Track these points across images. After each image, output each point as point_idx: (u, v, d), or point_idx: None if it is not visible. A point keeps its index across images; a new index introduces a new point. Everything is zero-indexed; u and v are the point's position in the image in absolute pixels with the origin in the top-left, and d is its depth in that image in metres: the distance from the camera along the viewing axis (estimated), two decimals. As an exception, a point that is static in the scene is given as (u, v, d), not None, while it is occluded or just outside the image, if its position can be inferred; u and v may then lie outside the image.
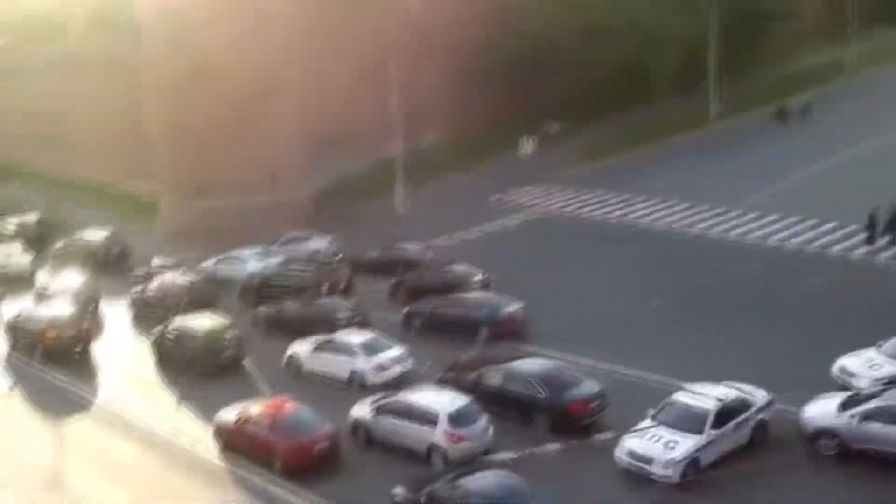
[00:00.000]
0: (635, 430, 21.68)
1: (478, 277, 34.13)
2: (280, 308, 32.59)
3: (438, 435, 21.75)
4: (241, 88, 45.01)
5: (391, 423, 22.75)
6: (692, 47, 60.98)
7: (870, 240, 37.14)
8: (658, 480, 20.69)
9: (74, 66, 60.25)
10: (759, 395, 22.60)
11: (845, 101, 65.82)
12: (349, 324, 30.22)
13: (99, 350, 32.73)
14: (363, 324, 30.64)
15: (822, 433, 21.64)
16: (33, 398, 29.00)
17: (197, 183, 46.05)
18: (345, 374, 26.90)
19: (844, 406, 21.74)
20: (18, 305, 35.74)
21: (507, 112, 58.29)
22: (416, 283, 34.18)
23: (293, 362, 28.49)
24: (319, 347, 27.96)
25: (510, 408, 23.52)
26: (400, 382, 26.03)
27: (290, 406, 23.52)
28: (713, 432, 21.17)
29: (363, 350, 27.02)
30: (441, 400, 22.61)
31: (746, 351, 27.65)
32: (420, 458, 22.07)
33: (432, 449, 21.91)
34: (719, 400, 21.70)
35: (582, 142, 57.53)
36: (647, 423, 21.77)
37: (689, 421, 21.31)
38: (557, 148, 56.62)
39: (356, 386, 26.43)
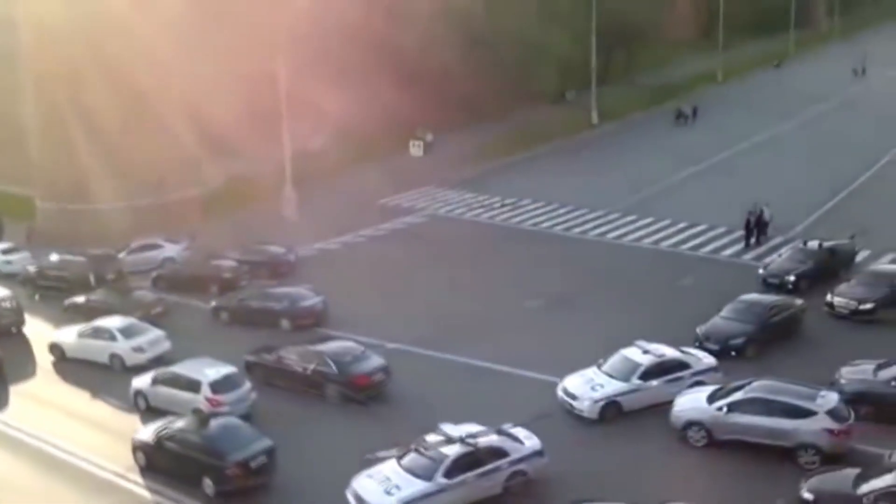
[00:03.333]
0: (374, 467, 20.49)
1: (230, 268, 36.42)
2: (87, 298, 34.21)
3: (201, 400, 24.59)
4: (125, 89, 44.01)
5: (165, 391, 25.52)
6: (572, 57, 63.57)
7: (746, 240, 39.69)
8: None
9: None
10: (524, 446, 21.08)
11: (717, 107, 70.19)
12: (149, 315, 32.22)
13: None
14: (164, 314, 33.09)
15: (692, 424, 23.20)
16: None
17: (75, 180, 44.70)
18: (105, 357, 29.16)
19: (711, 398, 23.41)
20: None
21: (396, 115, 58.92)
22: (174, 275, 37.24)
23: (56, 348, 30.44)
24: (82, 334, 30.03)
25: (308, 383, 26.14)
26: (159, 363, 28.14)
27: None
28: (445, 481, 19.68)
29: (122, 334, 29.25)
30: (205, 370, 25.34)
31: (580, 344, 28.73)
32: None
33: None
34: (465, 445, 20.17)
35: (469, 145, 58.93)
36: (391, 454, 20.71)
37: (423, 466, 19.98)
38: (445, 151, 57.77)
39: (117, 367, 28.82)
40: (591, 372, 25.41)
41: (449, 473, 19.79)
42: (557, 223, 45.14)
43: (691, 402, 23.67)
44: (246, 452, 21.24)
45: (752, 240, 39.75)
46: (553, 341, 30.01)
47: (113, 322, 29.91)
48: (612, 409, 24.37)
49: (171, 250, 39.86)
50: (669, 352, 25.70)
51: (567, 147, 60.53)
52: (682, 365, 25.33)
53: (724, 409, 22.78)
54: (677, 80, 77.60)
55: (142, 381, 26.40)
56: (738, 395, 23.03)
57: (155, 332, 29.81)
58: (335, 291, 34.22)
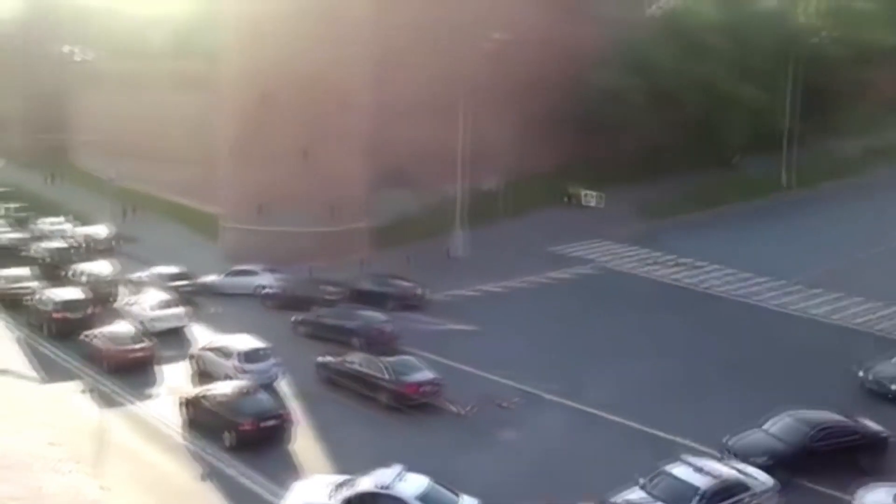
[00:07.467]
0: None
1: (334, 291, 39.26)
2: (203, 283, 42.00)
3: (230, 366, 29.56)
4: (308, 117, 45.55)
5: (210, 356, 30.84)
6: (764, 115, 60.50)
7: None
8: None
9: (152, 83, 61.90)
10: None
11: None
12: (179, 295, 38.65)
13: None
14: (193, 293, 39.88)
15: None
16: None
17: (260, 204, 46.55)
18: (138, 323, 35.62)
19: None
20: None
21: (571, 163, 58.21)
22: (283, 294, 40.52)
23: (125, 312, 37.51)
24: (129, 303, 37.53)
25: (363, 385, 29.16)
26: (175, 332, 35.56)
27: (118, 325, 34.50)
28: None
29: (149, 307, 36.42)
30: (240, 343, 30.48)
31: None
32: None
33: (227, 376, 29.39)
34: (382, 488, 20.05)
35: (644, 200, 57.01)
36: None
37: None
38: (619, 204, 56.16)
39: (146, 329, 34.72)
40: (636, 497, 20.96)
41: None
42: (734, 288, 42.52)
43: (878, 499, 21.00)
44: (259, 414, 25.37)
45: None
46: (715, 410, 27.55)
47: (147, 299, 37.29)
48: None
49: (264, 278, 42.34)
50: (725, 470, 21.42)
51: (750, 210, 57.38)
52: (742, 487, 21.02)
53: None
54: (882, 146, 71.90)
55: (195, 348, 32.22)
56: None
57: (176, 311, 36.53)
58: (484, 330, 34.04)
